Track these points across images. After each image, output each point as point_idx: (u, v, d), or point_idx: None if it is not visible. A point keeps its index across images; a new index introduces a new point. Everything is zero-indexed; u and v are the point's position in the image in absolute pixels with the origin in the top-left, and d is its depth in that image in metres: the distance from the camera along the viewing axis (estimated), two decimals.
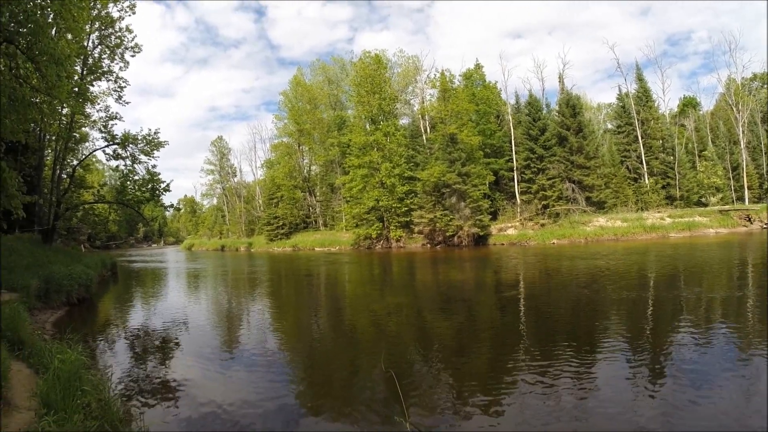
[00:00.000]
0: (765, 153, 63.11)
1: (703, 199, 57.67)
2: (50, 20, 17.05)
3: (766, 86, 69.88)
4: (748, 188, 58.79)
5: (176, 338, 13.33)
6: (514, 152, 57.08)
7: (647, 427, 6.26)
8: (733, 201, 59.05)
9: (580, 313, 14.08)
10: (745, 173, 59.15)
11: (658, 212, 49.76)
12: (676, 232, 43.73)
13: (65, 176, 33.88)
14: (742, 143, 60.43)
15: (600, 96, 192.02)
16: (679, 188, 55.22)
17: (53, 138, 33.44)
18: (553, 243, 44.82)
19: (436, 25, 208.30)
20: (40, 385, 6.47)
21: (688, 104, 77.55)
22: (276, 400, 8.09)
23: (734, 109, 62.12)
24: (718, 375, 7.92)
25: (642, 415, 6.64)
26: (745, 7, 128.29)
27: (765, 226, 44.78)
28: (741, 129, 60.46)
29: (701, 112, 75.74)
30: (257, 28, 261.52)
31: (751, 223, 46.20)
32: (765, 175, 61.71)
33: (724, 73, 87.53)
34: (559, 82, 60.03)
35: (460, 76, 64.27)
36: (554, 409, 7.03)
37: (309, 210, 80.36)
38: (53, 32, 18.39)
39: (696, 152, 63.94)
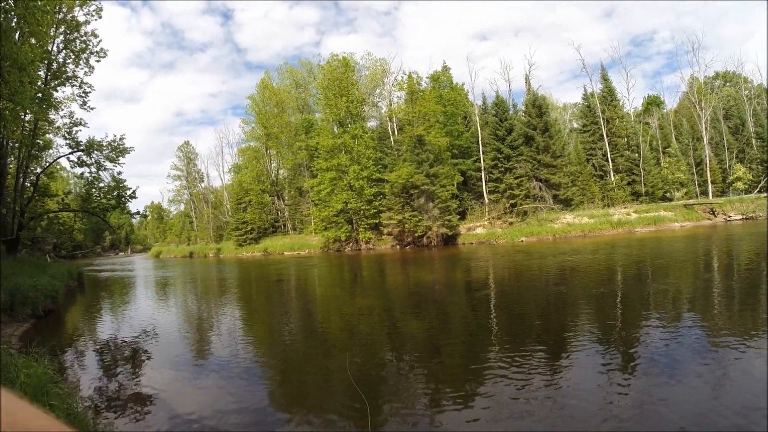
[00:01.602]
0: (727, 149, 64.24)
1: (667, 194, 58.64)
2: (13, 24, 16.74)
3: (730, 84, 71.33)
4: (712, 182, 59.91)
5: (146, 348, 13.17)
6: (481, 152, 57.47)
7: (622, 419, 6.32)
8: (697, 195, 60.21)
9: (551, 310, 14.18)
10: (708, 168, 60.30)
11: (624, 208, 50.57)
12: (642, 227, 44.47)
13: (29, 184, 33.23)
14: (705, 139, 61.60)
15: (566, 96, 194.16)
16: (644, 184, 56.27)
17: (16, 145, 32.73)
18: (522, 241, 45.14)
19: (404, 28, 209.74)
20: None
21: (652, 103, 78.66)
22: (248, 407, 8.04)
23: (697, 107, 63.27)
24: (690, 365, 8.03)
25: (616, 407, 6.70)
26: (707, 7, 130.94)
27: (728, 219, 45.68)
28: (704, 126, 61.59)
29: (665, 111, 77.24)
30: (224, 32, 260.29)
31: (715, 216, 47.24)
32: (728, 170, 62.80)
33: (687, 72, 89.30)
34: (526, 82, 60.51)
35: (427, 78, 64.86)
36: (528, 406, 7.04)
37: (278, 214, 79.90)
38: (16, 36, 18.07)
39: (660, 149, 64.98)
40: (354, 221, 57.78)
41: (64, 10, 30.43)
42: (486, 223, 53.92)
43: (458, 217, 53.12)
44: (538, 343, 10.18)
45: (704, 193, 60.53)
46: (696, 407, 6.41)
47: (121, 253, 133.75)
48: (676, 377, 7.51)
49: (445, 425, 6.85)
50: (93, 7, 31.74)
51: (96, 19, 31.92)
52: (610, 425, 6.19)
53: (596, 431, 6.08)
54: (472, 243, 48.99)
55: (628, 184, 56.99)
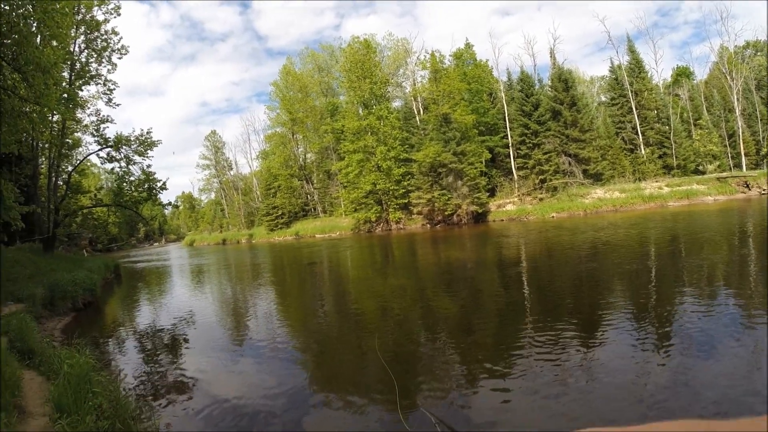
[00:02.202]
0: (760, 120, 62.75)
1: (700, 167, 57.48)
2: (34, 29, 16.96)
3: (761, 54, 69.56)
4: (745, 155, 58.56)
5: (184, 334, 13.48)
6: (508, 129, 57.13)
7: (656, 397, 6.27)
8: (730, 168, 58.84)
9: (584, 286, 14.09)
10: (741, 140, 58.88)
11: (656, 182, 49.69)
12: (674, 201, 43.71)
13: (61, 183, 33.85)
14: (737, 111, 60.21)
15: (592, 69, 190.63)
16: (676, 157, 55.16)
17: (46, 146, 33.29)
18: (552, 217, 44.84)
19: (424, 7, 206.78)
20: (51, 391, 6.59)
21: (682, 74, 77.08)
22: (286, 390, 8.14)
23: (728, 77, 61.85)
24: (725, 343, 7.88)
25: (651, 385, 6.65)
26: None
27: (763, 192, 44.72)
28: (735, 97, 60.25)
29: (695, 82, 75.33)
30: (243, 20, 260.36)
31: (749, 189, 46.11)
32: (762, 142, 61.36)
33: (717, 41, 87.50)
34: (551, 57, 59.82)
35: (450, 56, 64.30)
36: (562, 386, 7.00)
37: (307, 198, 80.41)
38: (38, 40, 18.33)
39: (691, 121, 63.62)
40: (383, 202, 58.00)
41: (83, 10, 30.74)
42: (516, 199, 53.66)
43: (488, 194, 53.00)
44: (571, 321, 10.15)
45: (737, 165, 59.11)
46: (731, 388, 6.28)
47: (155, 244, 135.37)
48: (711, 356, 7.42)
49: (478, 403, 6.91)
50: (111, 6, 32.01)
51: (115, 17, 32.19)
52: (644, 404, 6.14)
53: (631, 410, 6.07)
54: (502, 220, 48.87)
55: (659, 157, 55.81)
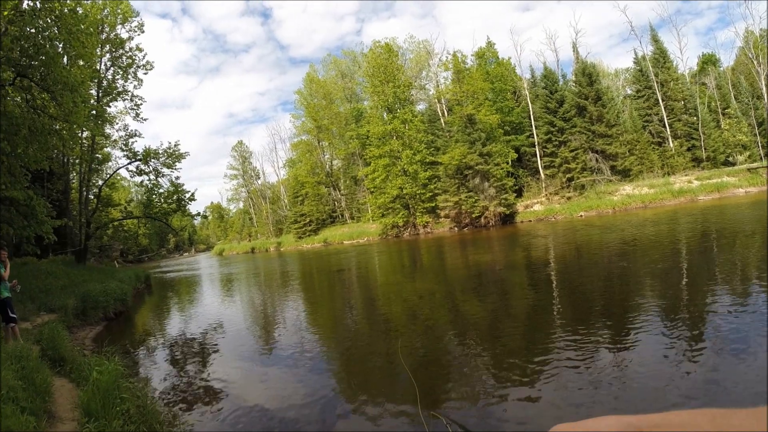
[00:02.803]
0: None
1: (730, 158, 56.38)
2: (60, 50, 17.34)
3: None
4: None
5: (213, 342, 13.63)
6: (533, 127, 56.68)
7: (690, 398, 6.20)
8: (761, 158, 57.28)
9: (614, 286, 13.96)
10: None
11: (685, 175, 48.77)
12: (704, 195, 42.85)
13: (92, 197, 34.60)
14: (766, 97, 58.68)
15: (616, 62, 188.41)
16: (705, 149, 54.03)
17: (77, 161, 34.09)
18: (581, 216, 44.33)
19: (443, 7, 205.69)
20: (80, 396, 6.76)
21: (708, 61, 75.79)
22: (315, 396, 8.18)
23: (755, 62, 60.56)
24: (759, 342, 7.74)
25: (684, 386, 6.60)
26: None
27: None
28: (763, 82, 58.86)
29: (722, 69, 73.69)
30: (265, 31, 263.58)
31: None
32: None
33: (741, 25, 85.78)
34: (573, 51, 59.36)
35: (472, 55, 63.93)
36: (593, 388, 6.99)
37: (334, 204, 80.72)
38: (65, 60, 18.74)
39: (719, 110, 62.37)
40: (410, 206, 57.91)
41: (107, 29, 31.49)
42: (543, 199, 53.26)
43: (515, 194, 52.48)
44: (602, 322, 10.07)
45: None
46: (763, 386, 6.17)
47: (185, 254, 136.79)
48: (744, 355, 7.28)
49: (502, 410, 6.90)
50: (134, 24, 32.93)
51: (139, 34, 33.10)
52: (678, 406, 5.96)
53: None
54: (530, 221, 48.43)
55: (688, 149, 54.55)
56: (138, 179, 35.07)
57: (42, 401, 6.54)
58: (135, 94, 33.86)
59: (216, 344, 13.30)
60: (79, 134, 26.46)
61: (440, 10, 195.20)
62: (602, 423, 0.63)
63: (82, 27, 18.30)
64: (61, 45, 17.22)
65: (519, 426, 6.37)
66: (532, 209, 52.03)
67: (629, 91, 71.25)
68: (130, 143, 33.58)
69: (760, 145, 59.70)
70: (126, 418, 6.36)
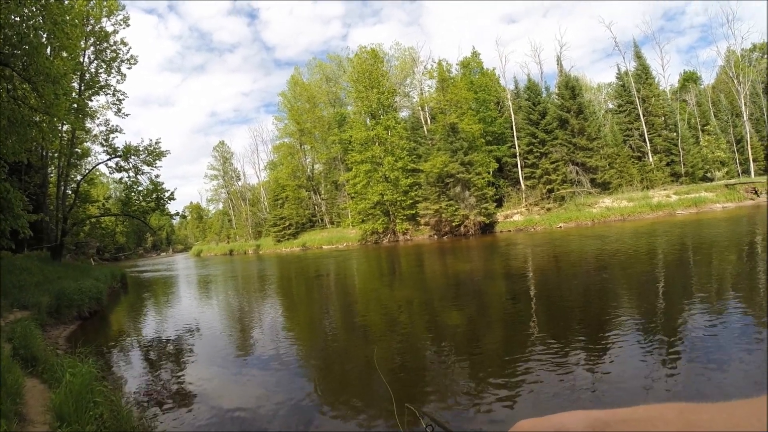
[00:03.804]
0: None
1: (708, 174, 57.05)
2: (44, 40, 17.10)
3: (766, 56, 69.12)
4: (753, 161, 57.84)
5: (189, 344, 13.49)
6: (515, 138, 56.98)
7: (666, 400, 6.19)
8: (738, 174, 58.31)
9: (592, 298, 14.01)
10: (749, 146, 58.21)
11: (664, 190, 49.38)
12: (682, 209, 43.45)
13: (70, 192, 34.07)
14: (744, 115, 59.52)
15: (599, 76, 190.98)
16: (684, 164, 54.76)
17: (55, 155, 33.66)
18: (560, 227, 44.66)
19: (429, 15, 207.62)
20: (53, 399, 6.55)
21: (689, 79, 76.88)
22: (289, 400, 8.16)
23: (735, 81, 61.28)
24: (733, 352, 7.89)
25: (658, 397, 6.62)
26: None
27: None
28: (743, 101, 59.63)
29: (702, 87, 74.81)
30: (251, 31, 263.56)
31: (758, 196, 45.49)
32: None
33: (723, 45, 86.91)
34: (557, 64, 59.87)
35: (457, 64, 64.42)
36: (569, 393, 7.04)
37: (315, 209, 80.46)
38: (48, 51, 18.48)
39: (699, 127, 63.26)
40: (391, 213, 57.94)
41: (93, 21, 31.14)
42: (523, 209, 53.52)
43: (495, 204, 52.68)
44: (579, 334, 10.07)
45: (746, 171, 58.48)
46: (735, 394, 6.21)
47: (162, 254, 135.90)
48: (719, 366, 7.39)
49: (480, 410, 6.92)
50: (120, 17, 32.55)
51: (124, 28, 32.72)
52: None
53: None
54: (509, 231, 48.62)
55: (667, 164, 55.36)
56: (117, 176, 34.71)
57: (12, 403, 6.34)
58: (118, 89, 33.44)
59: (191, 346, 13.18)
60: (60, 127, 26.14)
61: (426, 18, 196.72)
62: (569, 418, 0.61)
63: (68, 18, 18.05)
64: (45, 35, 16.97)
65: (488, 426, 6.42)
66: (511, 219, 52.26)
67: (611, 106, 72.00)
68: (110, 139, 33.18)
69: (737, 161, 60.55)
70: (99, 423, 6.22)
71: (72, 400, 6.25)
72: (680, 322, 9.99)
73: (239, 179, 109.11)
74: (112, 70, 33.00)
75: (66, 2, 18.84)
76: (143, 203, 33.16)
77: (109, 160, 32.75)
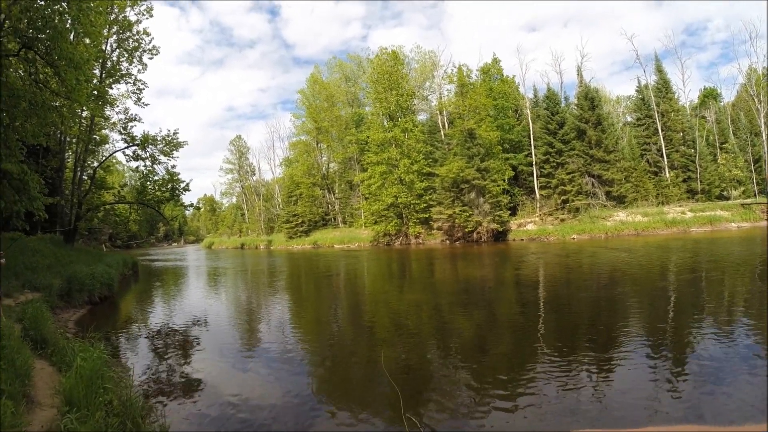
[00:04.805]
0: None
1: (724, 193, 56.49)
2: (68, 25, 17.23)
3: (765, 57, 68.22)
4: None
5: (197, 336, 13.50)
6: (532, 147, 56.67)
7: (668, 423, 6.19)
8: (755, 194, 57.57)
9: (601, 310, 13.92)
10: (767, 165, 57.75)
11: (679, 206, 49.04)
12: (697, 227, 43.13)
13: (86, 178, 34.31)
14: (763, 135, 58.70)
15: (619, 88, 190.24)
16: (701, 181, 54.18)
17: (74, 140, 33.96)
18: (573, 238, 44.46)
19: (450, 20, 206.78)
20: (62, 383, 6.52)
21: (709, 95, 76.27)
22: (294, 397, 8.15)
23: (755, 99, 60.65)
24: (741, 370, 7.84)
25: (662, 412, 6.57)
26: None
27: None
28: (762, 120, 59.00)
29: (722, 104, 74.05)
30: (271, 28, 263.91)
31: None
32: None
33: (745, 62, 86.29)
34: (578, 74, 59.46)
35: (477, 70, 64.15)
36: (574, 406, 7.00)
37: (328, 207, 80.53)
38: (71, 37, 18.62)
39: (717, 144, 62.56)
40: (404, 215, 57.79)
41: (116, 10, 31.42)
42: (537, 219, 53.26)
43: (509, 212, 52.37)
44: (586, 348, 9.99)
45: (763, 192, 57.62)
46: (745, 419, 6.22)
47: (174, 244, 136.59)
48: (726, 383, 7.38)
49: (492, 417, 6.89)
50: (144, 7, 32.88)
51: (147, 18, 33.02)
52: (656, 424, 6.12)
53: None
54: (522, 239, 48.42)
55: (684, 181, 54.80)
56: (134, 164, 34.89)
57: (21, 384, 6.35)
58: (138, 78, 33.74)
59: (199, 338, 13.19)
60: (79, 113, 26.33)
61: (447, 23, 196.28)
62: None
63: (92, 4, 18.25)
64: (69, 20, 17.10)
65: None
66: (525, 228, 51.98)
67: (629, 119, 71.58)
68: (129, 127, 33.48)
69: (755, 181, 59.88)
70: (108, 409, 6.19)
71: (82, 385, 6.22)
72: (688, 342, 9.91)
73: (254, 174, 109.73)
74: (134, 60, 33.28)
75: None
76: (158, 193, 33.30)
77: (126, 148, 33.02)
